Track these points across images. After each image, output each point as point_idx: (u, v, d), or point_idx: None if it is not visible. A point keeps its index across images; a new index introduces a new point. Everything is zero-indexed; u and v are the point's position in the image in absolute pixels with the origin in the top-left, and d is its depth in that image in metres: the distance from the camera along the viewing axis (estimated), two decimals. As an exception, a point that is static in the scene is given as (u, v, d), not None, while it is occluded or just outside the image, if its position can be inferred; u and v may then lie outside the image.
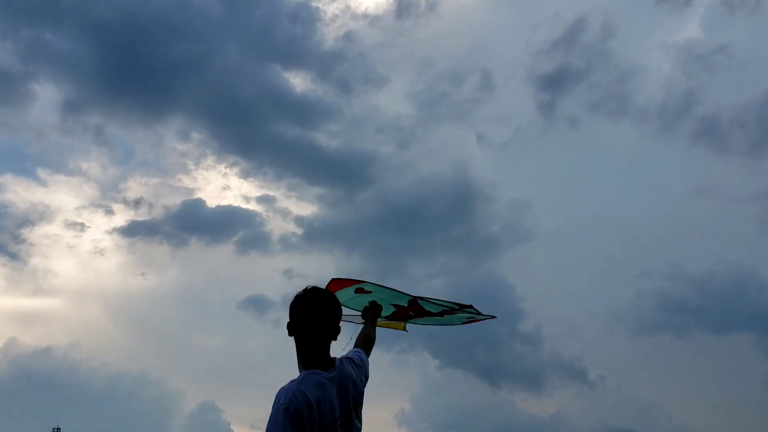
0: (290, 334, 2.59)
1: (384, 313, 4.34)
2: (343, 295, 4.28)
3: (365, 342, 3.35)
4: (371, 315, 3.69)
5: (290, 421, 2.31)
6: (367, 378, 2.86)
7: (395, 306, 4.59)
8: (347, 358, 2.77)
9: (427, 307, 4.57)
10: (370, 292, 4.39)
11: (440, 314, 4.71)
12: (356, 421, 2.59)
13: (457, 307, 4.53)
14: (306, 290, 2.61)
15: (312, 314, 2.56)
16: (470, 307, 4.57)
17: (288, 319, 2.61)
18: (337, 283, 4.30)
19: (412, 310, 4.60)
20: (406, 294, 4.36)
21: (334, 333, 2.62)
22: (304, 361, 2.57)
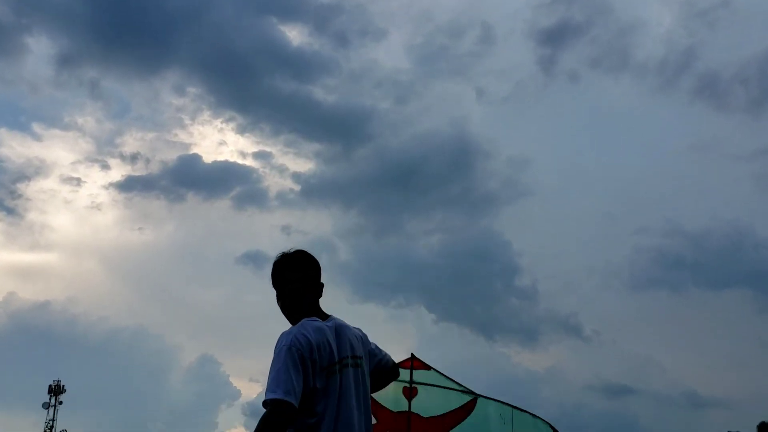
0: (283, 295, 2.67)
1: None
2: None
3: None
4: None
5: (292, 360, 2.36)
6: (374, 351, 2.89)
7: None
8: (347, 327, 2.77)
9: (429, 397, 3.82)
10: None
11: (460, 412, 3.91)
12: (357, 369, 2.65)
13: (460, 388, 3.84)
14: (283, 254, 2.70)
15: (292, 278, 2.65)
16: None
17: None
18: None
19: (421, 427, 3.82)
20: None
21: (319, 291, 2.70)
22: (299, 313, 2.63)
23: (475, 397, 3.78)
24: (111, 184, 68.57)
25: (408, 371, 3.71)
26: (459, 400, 3.75)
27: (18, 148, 70.59)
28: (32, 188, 69.55)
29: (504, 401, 3.76)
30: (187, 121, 75.86)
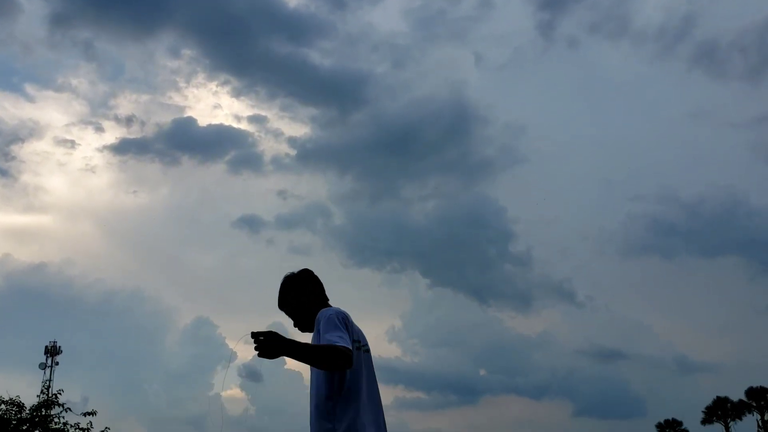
0: (286, 307, 3.07)
1: None
2: None
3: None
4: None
5: (341, 322, 2.72)
6: None
7: None
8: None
9: None
10: None
11: None
12: (370, 354, 2.97)
13: None
14: (306, 270, 3.09)
15: (319, 287, 3.07)
16: None
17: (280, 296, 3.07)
18: None
19: None
20: None
21: (324, 303, 3.06)
22: (305, 325, 3.01)
23: None
24: (105, 147, 68.39)
25: None
26: None
27: (11, 109, 70.08)
28: (26, 150, 69.32)
29: None
30: (182, 84, 75.34)
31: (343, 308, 2.89)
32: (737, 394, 51.11)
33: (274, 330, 2.41)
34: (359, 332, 2.92)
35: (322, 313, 2.80)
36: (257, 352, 2.38)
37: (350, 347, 2.61)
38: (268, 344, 2.38)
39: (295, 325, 3.04)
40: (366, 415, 2.76)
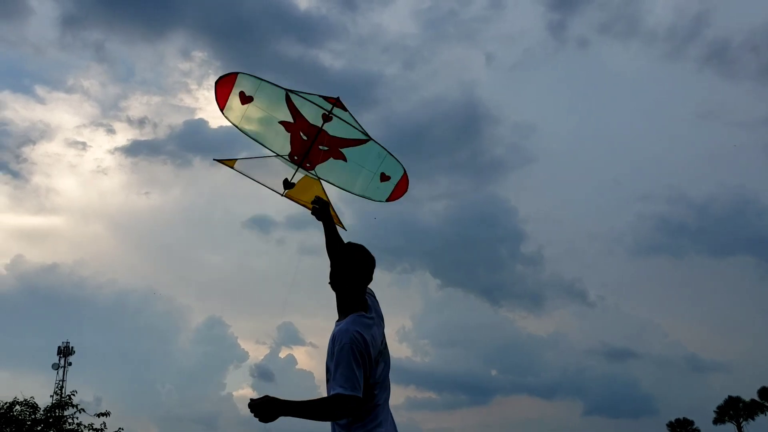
0: (335, 283, 3.00)
1: (280, 149, 4.44)
2: (232, 114, 4.52)
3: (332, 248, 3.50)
4: (323, 213, 3.71)
5: (355, 358, 2.71)
6: None
7: (285, 123, 4.56)
8: (370, 296, 3.08)
9: (337, 128, 4.47)
10: (259, 104, 4.44)
11: (356, 142, 4.56)
12: (388, 351, 3.00)
13: (362, 133, 4.48)
14: (363, 248, 3.04)
15: (366, 270, 3.00)
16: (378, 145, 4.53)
17: (331, 267, 3.05)
18: (223, 87, 4.50)
19: (325, 139, 4.52)
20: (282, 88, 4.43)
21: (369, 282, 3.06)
22: (347, 307, 2.94)
23: (369, 139, 4.51)
24: (116, 149, 68.66)
25: (330, 105, 4.41)
26: (358, 135, 4.50)
27: (22, 111, 70.55)
28: (37, 152, 69.73)
29: (388, 150, 4.55)
30: (193, 86, 75.56)
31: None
32: (749, 394, 50.83)
33: (268, 395, 2.56)
34: (380, 336, 2.92)
35: (345, 336, 2.77)
36: (257, 419, 2.52)
37: (357, 393, 2.65)
38: (265, 410, 2.52)
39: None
40: (384, 423, 2.82)
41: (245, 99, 4.49)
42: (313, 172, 4.63)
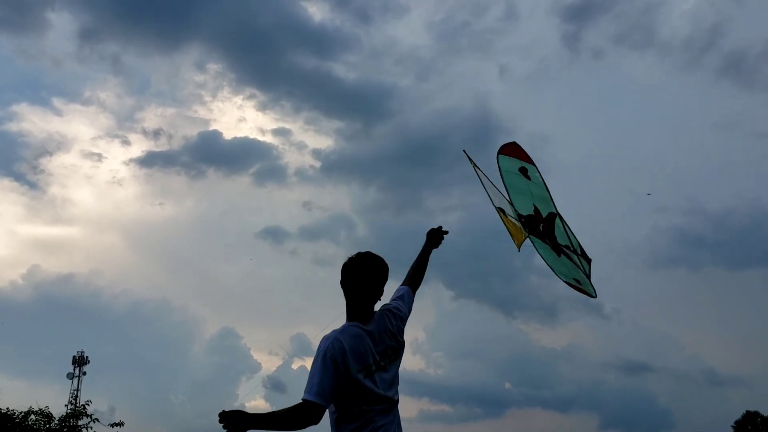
0: (343, 291, 3.00)
1: (523, 211, 4.50)
2: (508, 163, 4.52)
3: (416, 273, 3.62)
4: (432, 240, 3.80)
5: (325, 365, 2.73)
6: (407, 316, 3.22)
7: (536, 209, 4.60)
8: (387, 310, 3.08)
9: (558, 231, 4.56)
10: (530, 179, 4.49)
11: (563, 248, 4.60)
12: (391, 365, 2.96)
13: (579, 251, 4.47)
14: (358, 255, 2.98)
15: (360, 278, 2.94)
16: (589, 261, 4.50)
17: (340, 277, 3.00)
18: (513, 150, 4.50)
19: (544, 223, 4.60)
20: (554, 204, 4.47)
21: (378, 294, 2.99)
22: (349, 314, 2.96)
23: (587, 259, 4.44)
24: (131, 160, 69.14)
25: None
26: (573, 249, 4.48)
27: (39, 123, 71.29)
28: (54, 163, 70.30)
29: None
30: (207, 98, 76.07)
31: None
32: (767, 408, 50.16)
33: (239, 409, 2.64)
34: (374, 349, 2.89)
35: (321, 342, 2.83)
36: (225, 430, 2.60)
37: (319, 400, 2.69)
38: (233, 420, 2.59)
39: None
40: None
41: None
42: (528, 235, 4.79)
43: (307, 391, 2.71)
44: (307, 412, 2.68)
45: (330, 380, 2.72)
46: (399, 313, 3.13)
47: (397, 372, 3.00)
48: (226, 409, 2.58)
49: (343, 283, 2.97)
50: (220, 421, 2.58)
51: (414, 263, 3.66)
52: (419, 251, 3.73)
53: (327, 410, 2.77)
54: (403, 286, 3.45)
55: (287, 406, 2.72)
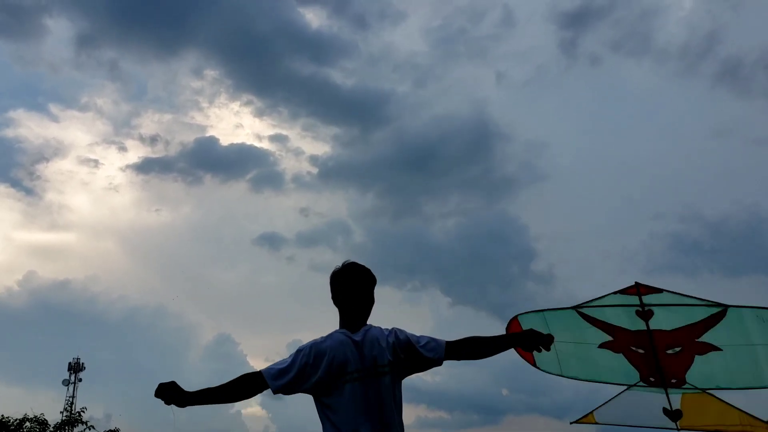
0: (334, 303, 2.99)
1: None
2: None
3: (470, 346, 3.02)
4: (524, 341, 2.98)
5: (293, 359, 2.80)
6: (416, 347, 2.93)
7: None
8: (393, 329, 2.96)
9: (671, 315, 3.42)
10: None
11: (710, 320, 3.49)
12: (379, 378, 2.83)
13: (705, 303, 3.36)
14: (343, 266, 2.97)
15: (345, 288, 2.93)
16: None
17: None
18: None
19: (668, 339, 3.39)
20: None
21: (368, 303, 2.95)
22: (340, 323, 2.94)
23: (725, 307, 3.38)
24: (128, 166, 69.06)
25: (635, 297, 3.52)
26: (705, 312, 3.41)
27: (36, 129, 71.22)
28: (50, 169, 70.20)
29: (759, 306, 3.40)
30: (204, 104, 76.08)
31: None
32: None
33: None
34: (355, 358, 2.81)
35: (310, 343, 2.85)
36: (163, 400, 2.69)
37: (270, 378, 2.75)
38: (168, 391, 2.68)
39: None
40: None
41: None
42: (688, 385, 3.78)
43: (267, 368, 2.80)
44: (254, 380, 2.77)
45: (290, 372, 2.77)
46: (403, 336, 2.96)
47: (391, 388, 2.86)
48: (164, 382, 2.67)
49: (333, 295, 2.98)
50: (156, 395, 2.65)
51: (480, 338, 3.01)
52: (496, 335, 3.04)
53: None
54: (441, 340, 2.98)
55: (230, 380, 2.78)
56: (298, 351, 2.81)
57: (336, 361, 2.77)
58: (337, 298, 2.96)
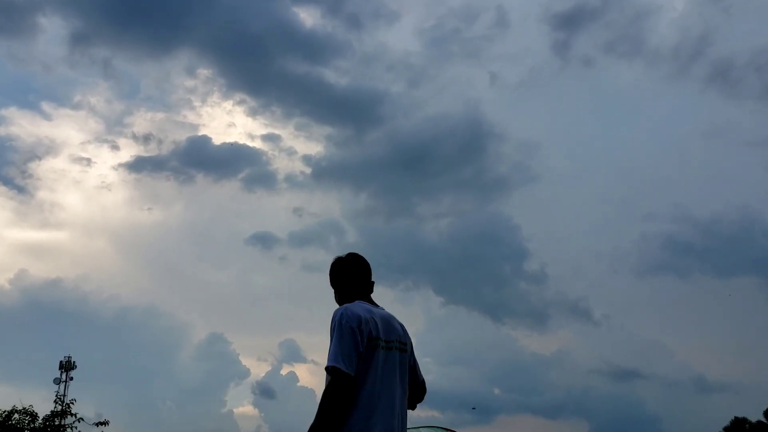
0: (336, 288, 3.11)
1: None
2: None
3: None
4: None
5: (345, 332, 2.69)
6: (412, 351, 3.08)
7: None
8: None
9: None
10: None
11: None
12: (403, 354, 2.91)
13: None
14: (338, 258, 3.12)
15: (357, 270, 3.08)
16: None
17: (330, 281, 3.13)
18: None
19: None
20: None
21: (369, 287, 3.07)
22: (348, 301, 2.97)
23: None
24: (120, 165, 68.84)
25: None
26: None
27: (28, 127, 70.88)
28: (42, 168, 69.86)
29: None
30: (197, 103, 75.88)
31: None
32: (756, 415, 50.32)
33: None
34: (384, 328, 2.84)
35: (335, 313, 2.78)
36: None
37: (344, 367, 2.62)
38: None
39: None
40: (376, 421, 2.70)
41: None
42: None
43: (332, 359, 2.64)
44: (337, 380, 2.61)
45: (352, 347, 2.67)
46: (409, 337, 3.06)
47: (408, 369, 2.96)
48: None
49: (338, 277, 3.08)
50: None
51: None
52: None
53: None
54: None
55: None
56: (340, 321, 2.72)
57: (370, 325, 2.78)
58: (344, 281, 3.06)
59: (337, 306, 2.91)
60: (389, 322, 2.92)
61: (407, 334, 3.02)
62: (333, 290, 3.12)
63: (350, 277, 3.05)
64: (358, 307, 2.82)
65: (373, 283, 3.09)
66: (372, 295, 3.07)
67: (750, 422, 50.11)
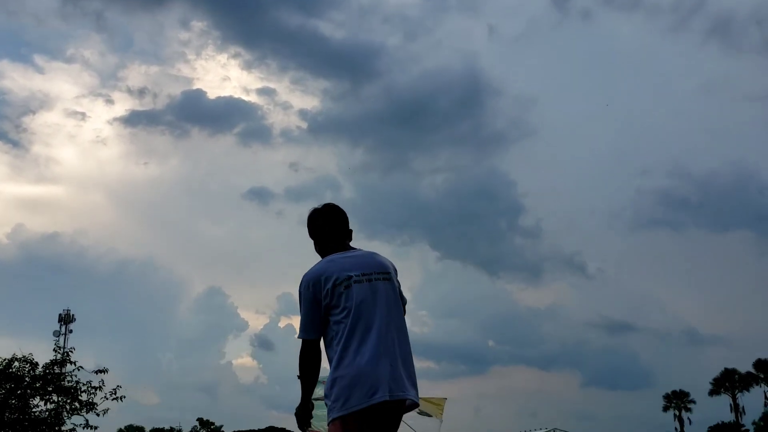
0: (314, 240, 3.18)
1: None
2: None
3: None
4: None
5: (301, 301, 2.91)
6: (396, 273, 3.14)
7: None
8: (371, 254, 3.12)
9: None
10: None
11: None
12: (386, 282, 2.97)
13: None
14: (314, 209, 3.17)
15: (330, 220, 3.13)
16: None
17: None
18: None
19: None
20: None
21: (346, 235, 3.14)
22: (325, 254, 3.08)
23: None
24: (115, 119, 68.39)
25: None
26: None
27: (20, 80, 70.23)
28: (37, 122, 69.53)
29: None
30: (191, 56, 75.00)
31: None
32: (745, 366, 51.22)
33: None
34: (359, 264, 2.93)
35: (303, 278, 2.93)
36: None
37: (308, 335, 2.88)
38: (300, 419, 2.97)
39: None
40: (365, 349, 2.77)
41: None
42: None
43: (301, 333, 2.91)
44: (304, 349, 2.90)
45: (313, 313, 2.87)
46: (395, 268, 3.14)
47: (395, 294, 2.99)
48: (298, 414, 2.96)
49: (315, 227, 3.14)
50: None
51: None
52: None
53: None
54: None
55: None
56: (299, 290, 2.91)
57: (332, 273, 2.88)
58: (321, 230, 3.12)
59: (317, 256, 3.08)
60: (366, 258, 3.01)
61: (392, 265, 3.11)
62: (312, 241, 3.19)
63: (328, 227, 3.11)
64: (319, 264, 2.96)
65: (351, 231, 3.16)
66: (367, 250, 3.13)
67: (739, 373, 51.01)
